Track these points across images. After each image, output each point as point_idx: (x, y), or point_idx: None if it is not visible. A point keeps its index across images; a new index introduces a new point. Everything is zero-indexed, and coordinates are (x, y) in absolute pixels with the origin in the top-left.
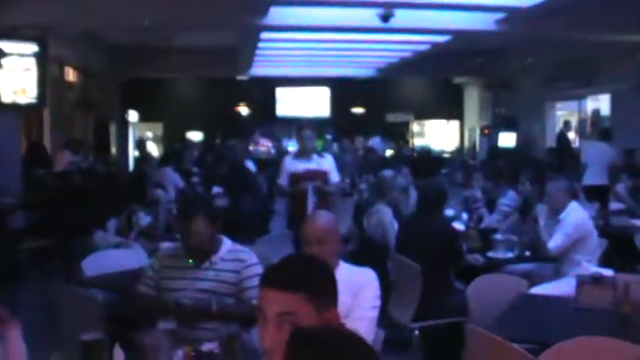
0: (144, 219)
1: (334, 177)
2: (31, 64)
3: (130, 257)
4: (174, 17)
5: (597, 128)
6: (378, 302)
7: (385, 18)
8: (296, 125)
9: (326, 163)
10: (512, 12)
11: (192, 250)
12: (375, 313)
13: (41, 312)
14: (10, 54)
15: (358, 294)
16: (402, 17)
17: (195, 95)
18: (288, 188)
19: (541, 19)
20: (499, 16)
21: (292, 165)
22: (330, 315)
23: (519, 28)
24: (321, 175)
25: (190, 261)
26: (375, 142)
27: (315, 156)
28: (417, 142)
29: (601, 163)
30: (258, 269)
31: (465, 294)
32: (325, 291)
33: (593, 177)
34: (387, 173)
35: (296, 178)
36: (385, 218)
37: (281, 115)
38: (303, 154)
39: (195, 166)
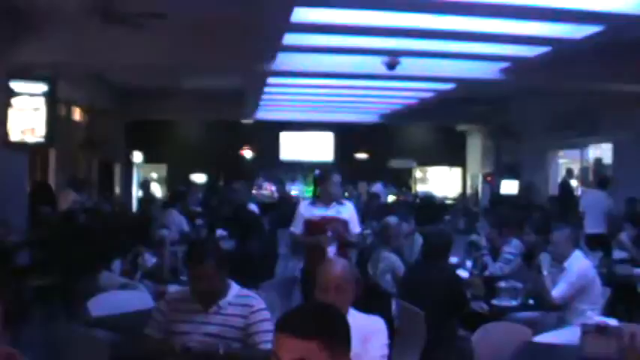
0: (149, 260)
1: (355, 227)
2: (41, 103)
3: (135, 298)
4: (183, 61)
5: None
6: (386, 350)
7: (391, 66)
8: (312, 170)
9: (346, 211)
10: (516, 62)
11: (201, 295)
12: None
13: (44, 351)
14: (20, 93)
15: (367, 341)
16: (408, 65)
17: (200, 137)
18: (303, 237)
19: (544, 69)
20: (503, 65)
21: (308, 211)
22: None
23: (523, 78)
24: (340, 224)
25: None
26: (377, 187)
27: (334, 203)
28: (420, 188)
29: (598, 211)
30: (266, 314)
31: (470, 341)
32: (340, 339)
33: (591, 225)
34: (392, 220)
35: (312, 226)
36: (396, 264)
37: (285, 159)
38: (322, 200)
39: (199, 208)
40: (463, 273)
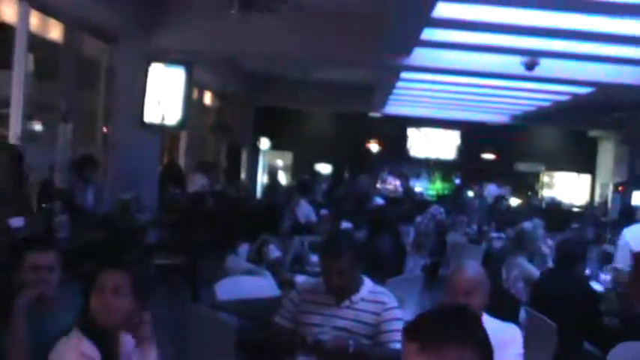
0: (274, 252)
1: None
2: (177, 87)
3: (262, 285)
4: (317, 52)
5: None
6: None
7: (530, 66)
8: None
9: None
10: None
11: (336, 289)
12: None
13: (169, 329)
14: (158, 77)
15: (502, 350)
16: (546, 66)
17: (327, 128)
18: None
19: None
20: None
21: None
22: None
23: None
24: None
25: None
26: (490, 189)
27: None
28: (546, 193)
29: None
30: (398, 313)
31: (602, 358)
32: (451, 343)
33: None
34: (527, 225)
35: None
36: (530, 271)
37: (410, 155)
38: None
39: (324, 199)
40: (597, 286)
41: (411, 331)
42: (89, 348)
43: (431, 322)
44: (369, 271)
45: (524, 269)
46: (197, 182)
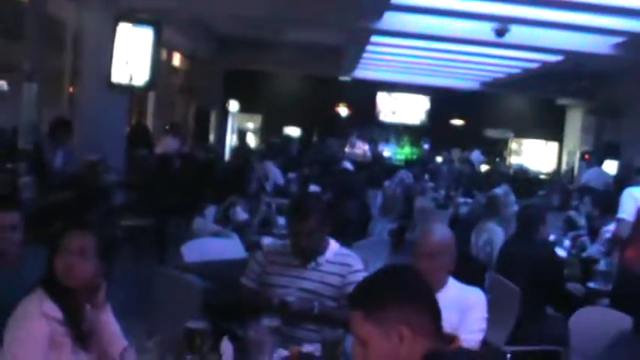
0: (241, 214)
1: None
2: (145, 47)
3: (229, 247)
4: (288, 12)
5: None
6: (484, 325)
7: (500, 33)
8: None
9: None
10: (632, 37)
11: (303, 250)
12: (480, 336)
13: (135, 289)
14: (126, 37)
15: (466, 314)
16: (517, 33)
17: (296, 91)
18: None
19: None
20: (617, 40)
21: None
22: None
23: (637, 55)
24: None
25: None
26: (474, 155)
27: None
28: (514, 160)
29: None
30: (364, 275)
31: (564, 323)
32: (390, 308)
33: None
34: (499, 191)
35: None
36: (496, 237)
37: (380, 120)
38: None
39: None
40: (561, 252)
41: (352, 299)
42: (52, 308)
43: (371, 287)
44: (334, 235)
45: (493, 233)
46: (168, 144)
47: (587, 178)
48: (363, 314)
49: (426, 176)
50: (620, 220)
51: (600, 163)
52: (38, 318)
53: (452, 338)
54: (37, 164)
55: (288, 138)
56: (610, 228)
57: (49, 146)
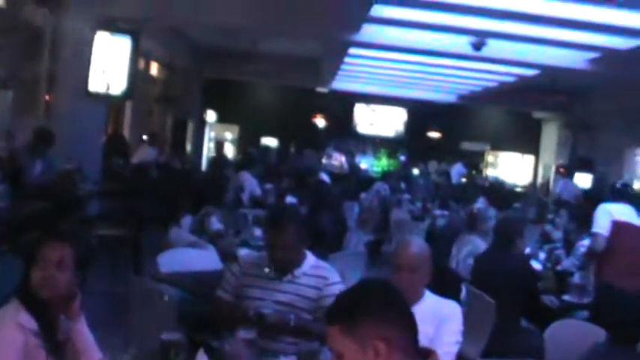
0: (215, 224)
1: None
2: (123, 56)
3: (205, 258)
4: (266, 23)
5: None
6: (460, 337)
7: (477, 47)
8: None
9: None
10: (607, 53)
11: (279, 262)
12: (456, 349)
13: (109, 300)
14: (104, 45)
15: (441, 326)
16: (494, 47)
17: (274, 102)
18: None
19: (635, 62)
20: (592, 55)
21: None
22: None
23: (611, 70)
24: None
25: (266, 270)
26: (457, 168)
27: None
28: (490, 172)
29: None
30: (340, 288)
31: (539, 335)
32: (369, 323)
33: None
34: (479, 205)
35: None
36: (479, 250)
37: (357, 131)
38: None
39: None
40: (536, 265)
41: (329, 313)
42: (27, 319)
43: (347, 302)
44: (310, 246)
45: (475, 246)
46: (145, 154)
47: (560, 189)
48: (340, 328)
49: (403, 186)
50: (594, 235)
51: (571, 175)
52: (13, 328)
53: (428, 353)
54: (12, 173)
55: (266, 148)
56: (585, 243)
57: (27, 155)
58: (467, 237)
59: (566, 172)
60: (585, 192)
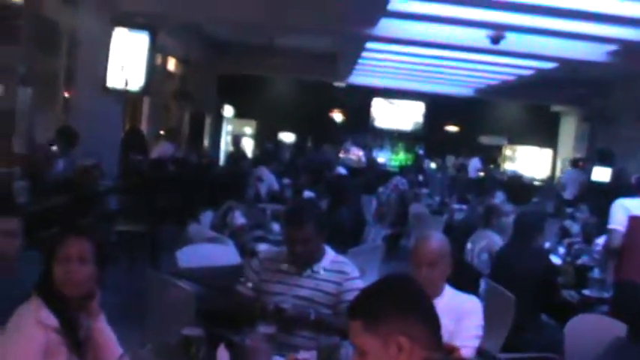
0: (239, 218)
1: None
2: (141, 52)
3: (224, 253)
4: (283, 18)
5: None
6: (480, 332)
7: (496, 40)
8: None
9: None
10: (627, 45)
11: (299, 257)
12: (476, 343)
13: (129, 295)
14: (121, 41)
15: (461, 321)
16: (512, 40)
17: (291, 96)
18: None
19: None
20: (612, 48)
21: None
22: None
23: (631, 63)
24: None
25: (285, 266)
26: (474, 162)
27: None
28: (508, 166)
29: None
30: (359, 283)
31: (559, 330)
32: (390, 318)
33: None
34: (496, 200)
35: None
36: (495, 245)
37: (374, 126)
38: None
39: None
40: (555, 259)
41: (352, 309)
42: (48, 316)
43: (370, 298)
44: (329, 241)
45: (491, 241)
46: (162, 149)
47: (564, 180)
48: (362, 324)
49: (420, 178)
50: (611, 230)
51: (575, 165)
52: (35, 326)
53: (452, 349)
54: (32, 169)
55: (282, 143)
56: (599, 241)
57: (49, 153)
58: (483, 232)
59: (584, 165)
60: (591, 182)
